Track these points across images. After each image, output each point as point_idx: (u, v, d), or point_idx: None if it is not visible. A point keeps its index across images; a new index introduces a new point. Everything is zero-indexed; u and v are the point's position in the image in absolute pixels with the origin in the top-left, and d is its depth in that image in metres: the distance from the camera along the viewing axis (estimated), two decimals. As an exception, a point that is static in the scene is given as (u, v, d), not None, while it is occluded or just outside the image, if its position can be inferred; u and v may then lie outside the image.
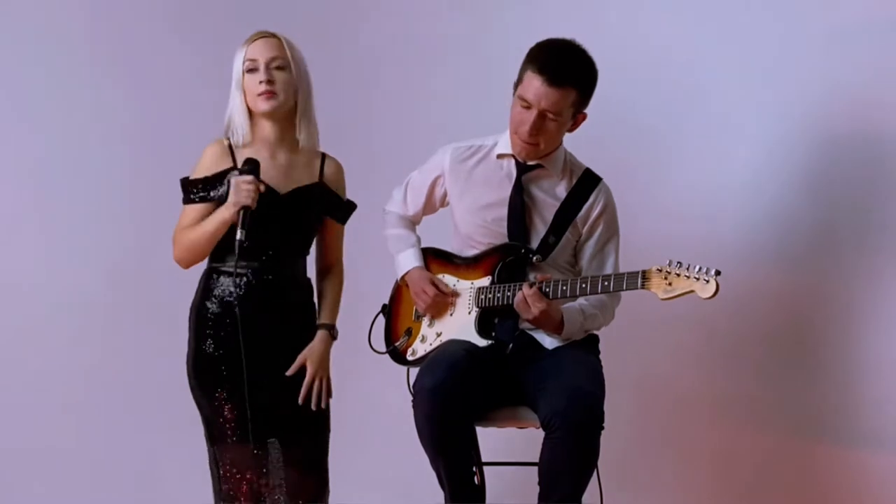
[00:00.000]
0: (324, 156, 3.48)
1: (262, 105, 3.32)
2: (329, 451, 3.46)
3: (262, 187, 3.25)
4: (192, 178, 3.35)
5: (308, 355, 3.38)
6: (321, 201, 3.44)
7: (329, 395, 3.41)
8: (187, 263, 3.37)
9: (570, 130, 3.47)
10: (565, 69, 3.35)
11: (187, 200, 3.35)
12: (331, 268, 3.54)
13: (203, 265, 3.43)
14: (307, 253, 3.48)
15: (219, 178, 3.32)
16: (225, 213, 3.25)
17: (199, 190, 3.33)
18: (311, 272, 3.53)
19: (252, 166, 3.26)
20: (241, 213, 3.22)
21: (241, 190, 3.23)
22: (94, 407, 4.54)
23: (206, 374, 3.33)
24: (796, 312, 4.17)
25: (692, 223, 4.25)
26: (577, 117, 3.44)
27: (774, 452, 4.17)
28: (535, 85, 3.34)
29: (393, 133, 4.62)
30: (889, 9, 3.99)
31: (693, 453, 4.31)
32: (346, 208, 3.52)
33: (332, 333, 3.45)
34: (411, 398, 3.30)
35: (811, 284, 4.14)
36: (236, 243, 3.19)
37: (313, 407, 3.34)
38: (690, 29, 4.27)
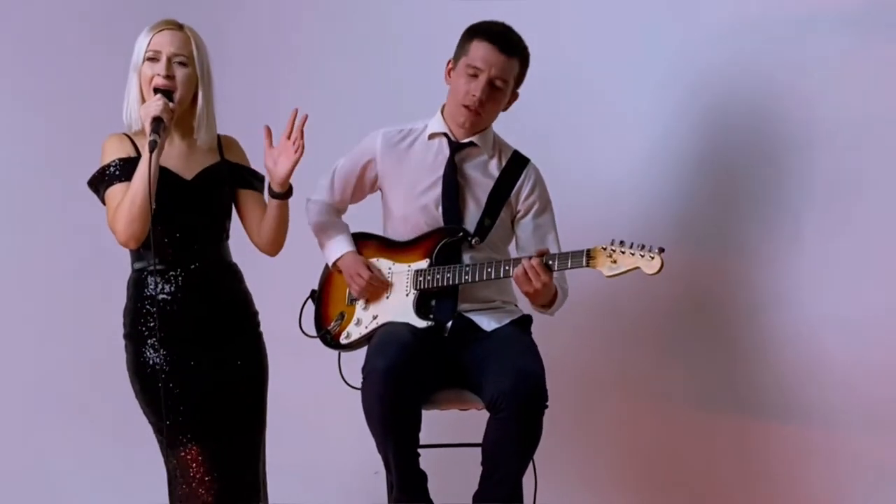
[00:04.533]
0: (218, 136, 3.41)
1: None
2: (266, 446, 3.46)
3: (171, 105, 3.20)
4: (102, 165, 3.26)
5: None
6: (232, 177, 3.38)
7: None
8: (136, 236, 3.18)
9: (504, 108, 3.54)
10: (513, 41, 3.48)
11: (108, 184, 3.24)
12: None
13: (127, 270, 3.35)
14: (227, 236, 3.41)
15: (130, 162, 3.23)
16: (144, 161, 3.14)
17: (116, 168, 3.24)
18: (237, 257, 3.46)
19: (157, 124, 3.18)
20: (153, 123, 3.16)
21: (149, 106, 3.18)
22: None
23: (149, 381, 3.25)
24: (699, 290, 4.23)
25: (590, 207, 4.27)
26: (513, 95, 3.52)
27: (680, 428, 4.25)
28: (485, 51, 3.44)
29: (319, 121, 4.51)
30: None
31: (598, 432, 4.36)
32: (260, 177, 3.45)
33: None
34: (361, 380, 3.29)
35: (713, 263, 4.21)
36: (148, 145, 3.11)
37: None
38: (587, 23, 4.32)
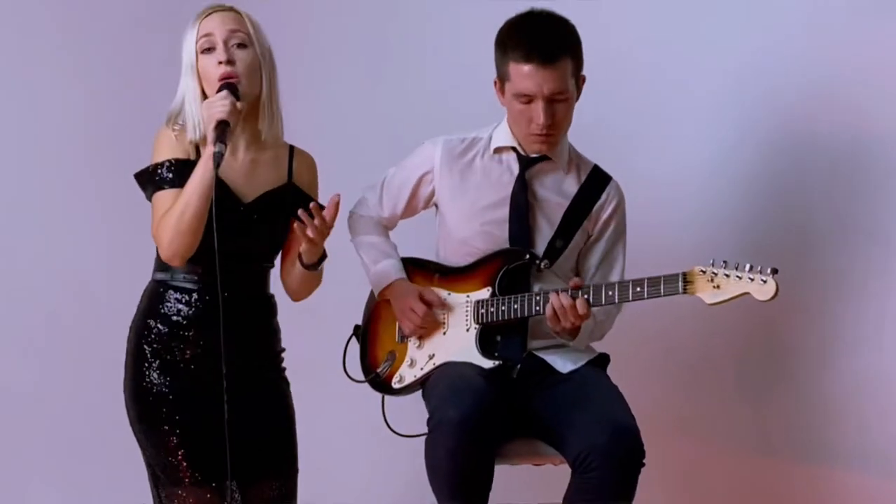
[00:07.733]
0: (292, 149, 3.02)
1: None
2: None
3: (239, 104, 2.80)
4: (154, 162, 2.87)
5: None
6: (293, 206, 2.94)
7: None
8: (180, 253, 2.82)
9: (577, 100, 3.17)
10: (551, 42, 3.06)
11: (157, 186, 2.85)
12: None
13: (147, 278, 2.97)
14: (272, 265, 3.03)
15: (186, 165, 2.83)
16: (201, 167, 2.76)
17: (168, 171, 2.84)
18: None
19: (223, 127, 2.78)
20: (218, 128, 2.75)
21: (214, 105, 2.78)
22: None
23: (149, 406, 2.88)
24: (766, 323, 3.94)
25: (654, 229, 3.97)
26: (578, 88, 3.14)
27: (743, 472, 3.98)
28: (527, 74, 3.04)
29: (366, 127, 4.25)
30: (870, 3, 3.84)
31: (656, 474, 3.96)
32: None
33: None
34: (427, 431, 2.91)
35: (787, 296, 3.79)
36: (213, 157, 2.71)
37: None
38: (661, 27, 4.03)
